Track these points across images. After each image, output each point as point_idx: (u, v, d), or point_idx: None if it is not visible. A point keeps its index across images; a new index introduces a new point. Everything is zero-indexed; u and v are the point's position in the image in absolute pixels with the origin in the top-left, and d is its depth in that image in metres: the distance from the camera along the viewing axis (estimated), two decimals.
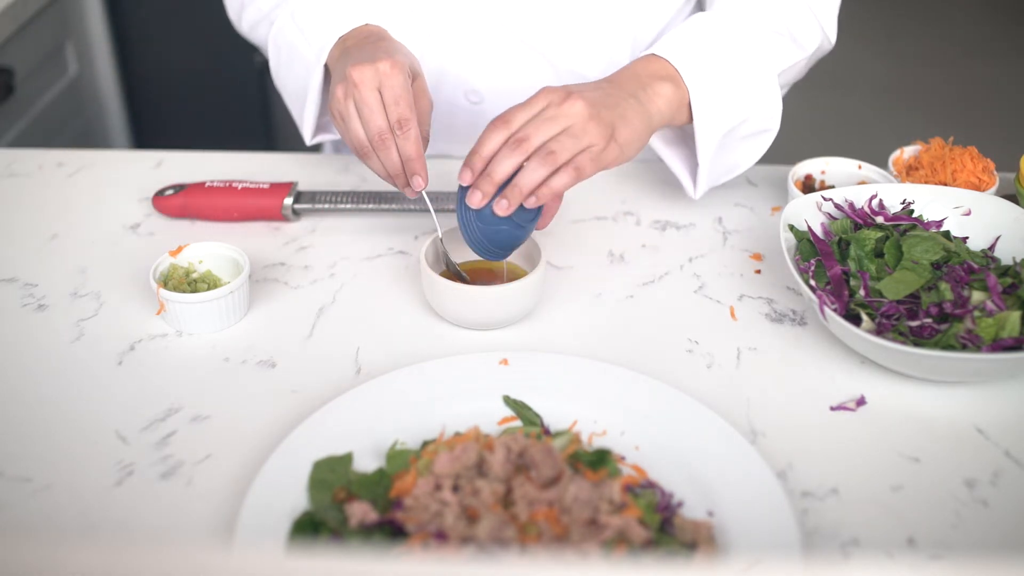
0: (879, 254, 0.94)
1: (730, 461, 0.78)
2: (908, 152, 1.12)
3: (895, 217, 0.98)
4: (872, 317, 0.88)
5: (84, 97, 2.03)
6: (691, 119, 0.99)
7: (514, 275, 0.96)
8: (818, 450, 0.81)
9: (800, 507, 0.76)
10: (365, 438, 0.80)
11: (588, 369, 0.87)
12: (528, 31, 1.12)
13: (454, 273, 0.95)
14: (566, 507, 0.71)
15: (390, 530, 0.71)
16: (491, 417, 0.83)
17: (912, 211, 0.99)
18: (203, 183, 1.10)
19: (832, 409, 0.86)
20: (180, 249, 0.96)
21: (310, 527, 0.72)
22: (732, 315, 0.97)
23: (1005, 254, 0.96)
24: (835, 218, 0.99)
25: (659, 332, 0.94)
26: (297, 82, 1.07)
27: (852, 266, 0.93)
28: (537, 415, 0.83)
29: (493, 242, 0.89)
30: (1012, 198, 1.05)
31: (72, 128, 1.97)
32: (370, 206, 1.08)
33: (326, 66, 1.03)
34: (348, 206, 1.09)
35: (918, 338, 0.86)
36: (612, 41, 1.12)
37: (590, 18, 1.11)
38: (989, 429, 0.84)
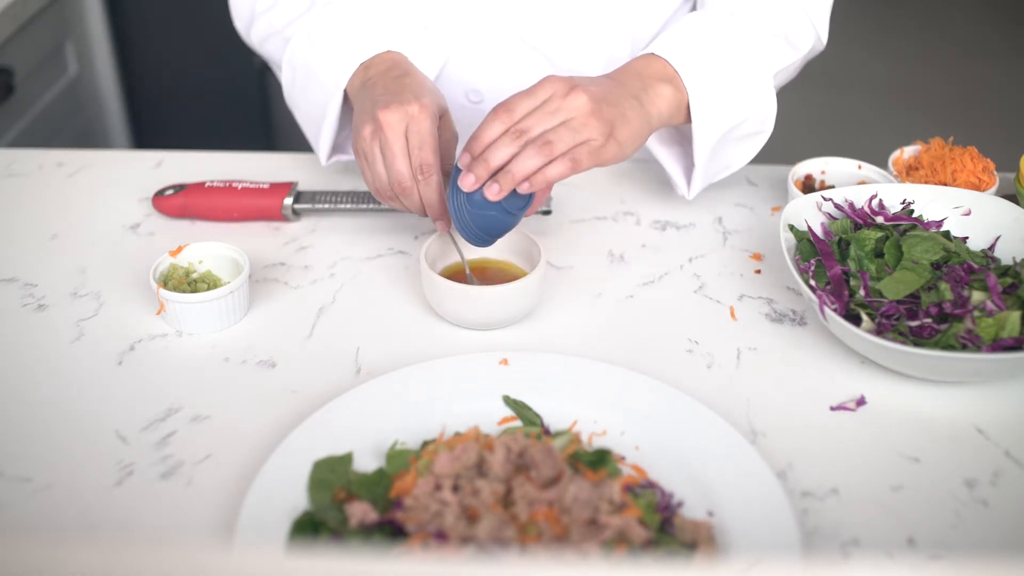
0: (879, 254, 0.94)
1: (730, 461, 0.78)
2: (908, 152, 1.12)
3: (895, 217, 0.98)
4: (872, 317, 0.88)
5: (84, 97, 2.03)
6: (688, 119, 0.99)
7: (514, 275, 0.96)
8: (818, 450, 0.81)
9: (800, 507, 0.76)
10: (365, 438, 0.80)
11: (588, 369, 0.87)
12: (528, 31, 1.12)
13: (466, 275, 0.95)
14: (566, 507, 0.71)
15: (390, 530, 0.71)
16: (491, 417, 0.83)
17: (912, 211, 0.99)
18: (203, 183, 1.10)
19: (832, 409, 0.86)
20: (180, 249, 0.96)
21: (310, 527, 0.72)
22: (732, 315, 0.97)
23: (1005, 254, 0.96)
24: (835, 218, 0.99)
25: (659, 332, 0.94)
26: (313, 105, 1.06)
27: (852, 266, 0.93)
28: (537, 415, 0.83)
29: (481, 227, 0.89)
30: (1012, 198, 1.05)
31: (72, 128, 1.97)
32: (370, 206, 1.08)
33: (345, 91, 1.02)
34: (348, 206, 1.09)
35: (918, 338, 0.86)
36: (612, 40, 1.12)
37: (590, 17, 1.11)
38: (989, 429, 0.84)
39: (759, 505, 0.74)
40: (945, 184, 1.05)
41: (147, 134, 2.21)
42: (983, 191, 1.04)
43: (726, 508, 0.74)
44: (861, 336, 0.83)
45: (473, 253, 0.98)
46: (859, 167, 1.12)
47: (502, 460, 0.74)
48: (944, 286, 0.89)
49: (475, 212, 0.88)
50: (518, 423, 0.82)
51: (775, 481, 0.75)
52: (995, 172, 1.07)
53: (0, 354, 0.91)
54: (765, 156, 1.15)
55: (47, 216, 1.10)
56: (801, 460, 0.80)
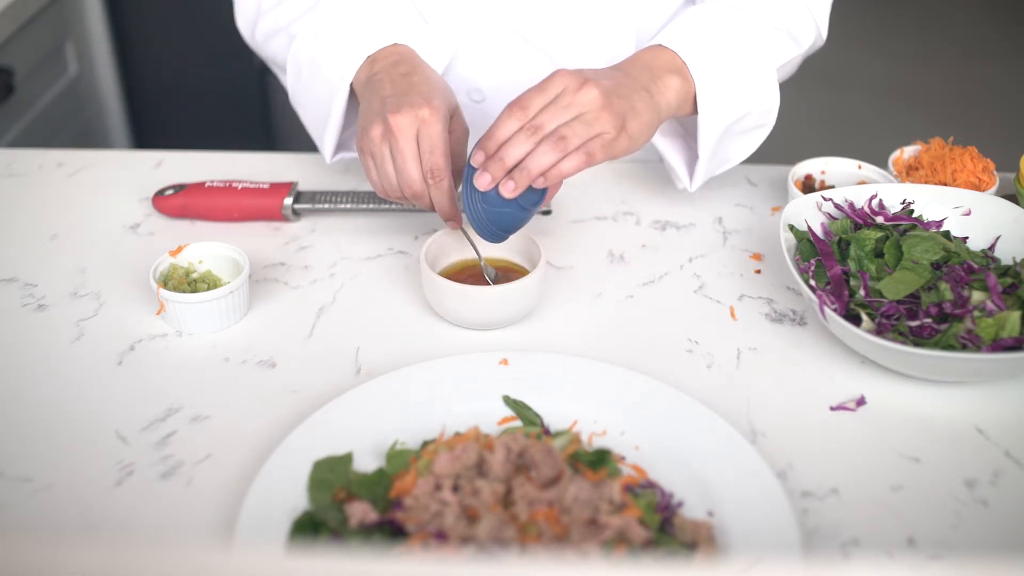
0: (879, 254, 0.94)
1: (730, 461, 0.78)
2: (908, 152, 1.12)
3: (895, 217, 0.98)
4: (872, 317, 0.88)
5: (84, 97, 2.03)
6: (694, 111, 1.00)
7: (514, 275, 0.96)
8: (818, 450, 0.81)
9: (800, 507, 0.76)
10: (365, 438, 0.80)
11: (588, 369, 0.87)
12: (531, 29, 1.12)
13: (487, 275, 0.95)
14: (566, 507, 0.71)
15: (390, 530, 0.71)
16: (491, 417, 0.83)
17: (912, 211, 0.99)
18: (203, 183, 1.10)
19: (832, 409, 0.86)
20: (180, 249, 0.96)
21: (310, 527, 0.72)
22: (732, 315, 0.97)
23: (1005, 254, 0.96)
24: (835, 218, 0.99)
25: (659, 332, 0.94)
26: (319, 100, 1.06)
27: (852, 266, 0.93)
28: (537, 415, 0.83)
29: (496, 223, 0.90)
30: (1012, 198, 1.05)
31: (72, 128, 1.97)
32: (370, 206, 1.08)
33: (351, 85, 1.02)
34: (348, 206, 1.09)
35: (918, 338, 0.86)
36: (616, 38, 1.12)
37: (593, 15, 1.11)
38: (989, 429, 0.84)
39: (759, 505, 0.74)
40: (945, 184, 1.05)
41: (147, 134, 2.21)
42: (983, 191, 1.04)
43: (726, 508, 0.74)
44: (861, 336, 0.83)
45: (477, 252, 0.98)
46: (859, 167, 1.12)
47: (502, 460, 0.74)
48: (944, 286, 0.89)
49: (490, 209, 0.88)
50: (518, 423, 0.82)
51: (775, 481, 0.75)
52: (995, 172, 1.07)
53: (0, 354, 0.91)
54: (765, 156, 1.15)
55: (47, 216, 1.10)
56: (801, 460, 0.80)
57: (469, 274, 0.97)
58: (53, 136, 1.88)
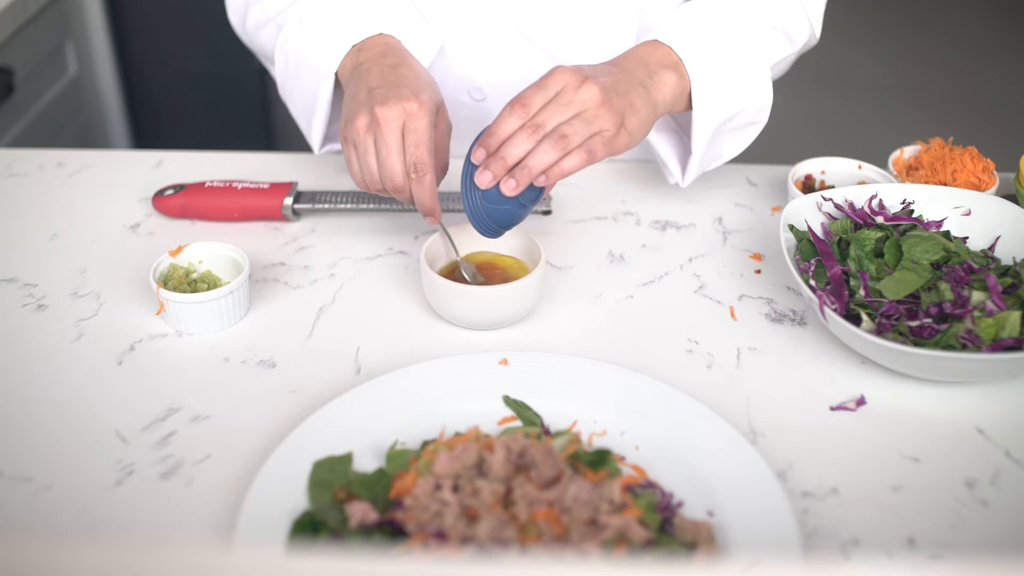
0: (879, 254, 0.94)
1: (730, 461, 0.78)
2: (908, 152, 1.12)
3: (895, 217, 0.98)
4: (872, 317, 0.88)
5: (84, 97, 2.03)
6: (688, 107, 1.00)
7: (514, 275, 0.96)
8: (818, 450, 0.81)
9: (800, 507, 0.76)
10: (365, 438, 0.80)
11: (588, 369, 0.87)
12: (531, 27, 1.12)
13: (466, 275, 0.95)
14: (566, 507, 0.71)
15: (390, 530, 0.71)
16: (491, 417, 0.83)
17: (912, 211, 0.99)
18: (203, 183, 1.10)
19: (832, 409, 0.86)
20: (180, 249, 0.96)
21: (310, 527, 0.72)
22: (732, 315, 0.97)
23: (1005, 254, 0.96)
24: (835, 218, 0.99)
25: (659, 332, 0.94)
26: (306, 90, 1.06)
27: (852, 266, 0.93)
28: (537, 415, 0.83)
29: (495, 220, 0.90)
30: (1012, 198, 1.05)
31: (72, 128, 1.97)
32: (370, 206, 1.08)
33: (336, 75, 1.02)
34: (348, 206, 1.09)
35: (918, 338, 0.86)
36: (616, 34, 1.12)
37: (593, 11, 1.11)
38: (989, 429, 0.84)
39: (759, 505, 0.74)
40: (945, 184, 1.05)
41: (147, 134, 2.21)
42: (983, 191, 1.04)
43: (726, 508, 0.74)
44: (861, 336, 0.83)
45: (474, 247, 0.98)
46: (859, 167, 1.12)
47: (502, 460, 0.74)
48: (944, 286, 0.89)
49: (489, 206, 0.89)
50: (518, 423, 0.82)
51: (775, 481, 0.75)
52: (995, 172, 1.07)
53: (0, 354, 0.91)
54: (765, 156, 1.15)
55: (47, 216, 1.10)
56: (801, 460, 0.80)
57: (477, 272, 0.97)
58: (53, 136, 1.88)
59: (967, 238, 0.97)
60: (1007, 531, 0.75)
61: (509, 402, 0.84)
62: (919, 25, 4.02)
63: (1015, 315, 0.85)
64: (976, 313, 0.86)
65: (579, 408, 0.83)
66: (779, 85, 1.12)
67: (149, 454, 0.80)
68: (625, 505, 0.72)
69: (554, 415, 0.83)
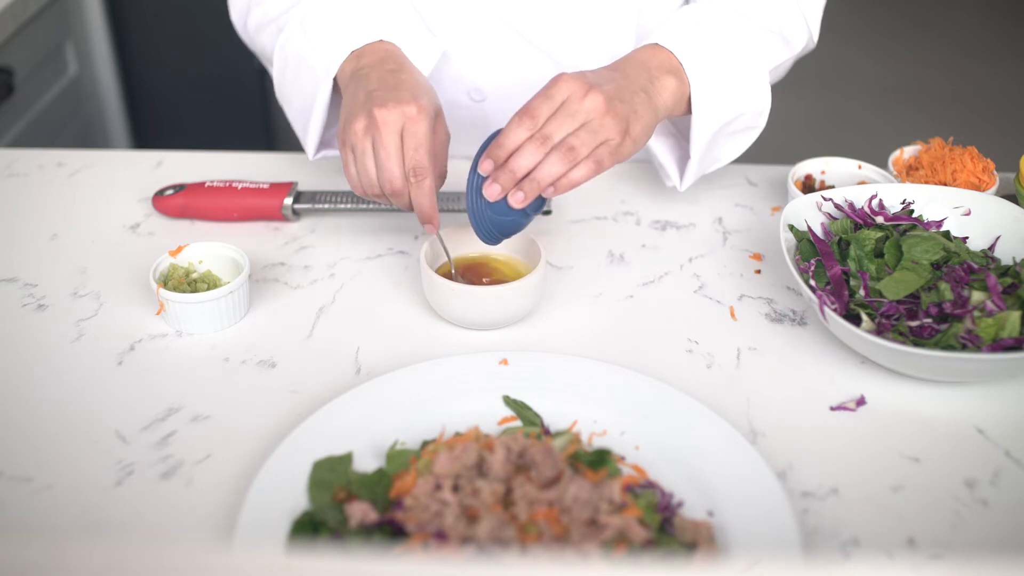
0: (879, 254, 0.94)
1: (730, 461, 0.78)
2: (908, 152, 1.12)
3: (895, 217, 0.98)
4: (872, 317, 0.88)
5: (84, 97, 2.03)
6: (686, 111, 1.00)
7: (514, 275, 0.96)
8: (818, 450, 0.81)
9: (800, 507, 0.76)
10: (365, 438, 0.80)
11: (588, 369, 0.87)
12: (530, 28, 1.12)
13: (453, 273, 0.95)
14: (566, 507, 0.71)
15: (390, 530, 0.71)
16: (491, 417, 0.83)
17: (912, 211, 0.99)
18: (203, 183, 1.10)
19: (832, 409, 0.86)
20: (180, 249, 0.96)
21: (310, 527, 0.72)
22: (732, 315, 0.97)
23: (1005, 254, 0.96)
24: (835, 218, 0.99)
25: (659, 332, 0.94)
26: (303, 94, 1.05)
27: (852, 266, 0.93)
28: (537, 415, 0.83)
29: (499, 229, 0.90)
30: (1012, 198, 1.05)
31: (72, 128, 1.97)
32: (370, 206, 1.08)
33: (335, 79, 1.01)
34: (348, 206, 1.09)
35: (918, 338, 0.86)
36: (616, 37, 1.12)
37: (593, 14, 1.11)
38: (989, 429, 0.84)
39: (759, 505, 0.74)
40: (945, 184, 1.05)
41: (147, 134, 2.21)
42: (983, 191, 1.04)
43: (726, 508, 0.74)
44: (861, 336, 0.83)
45: (472, 250, 0.98)
46: (859, 167, 1.12)
47: (502, 460, 0.74)
48: (944, 286, 0.89)
49: (495, 217, 0.89)
50: (518, 423, 0.82)
51: (775, 481, 0.75)
52: (995, 172, 1.07)
53: (0, 354, 0.91)
54: (765, 156, 1.15)
55: (47, 216, 1.10)
56: (801, 460, 0.80)
57: (473, 273, 0.97)
58: (53, 136, 1.88)
59: (967, 238, 0.97)
60: (1007, 531, 0.75)
61: (509, 402, 0.84)
62: (919, 25, 4.02)
63: (1015, 315, 0.85)
64: (976, 313, 0.86)
65: (579, 408, 0.83)
66: (779, 85, 1.12)
67: (149, 454, 0.80)
68: (625, 505, 0.72)
69: (554, 415, 0.83)
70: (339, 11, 1.04)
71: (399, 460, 0.77)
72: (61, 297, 0.98)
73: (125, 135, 2.18)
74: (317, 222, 1.10)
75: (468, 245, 0.98)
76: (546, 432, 0.81)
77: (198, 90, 2.17)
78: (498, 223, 0.90)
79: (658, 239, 1.08)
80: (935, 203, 0.99)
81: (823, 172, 1.13)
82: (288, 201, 1.08)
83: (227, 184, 1.10)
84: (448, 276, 0.95)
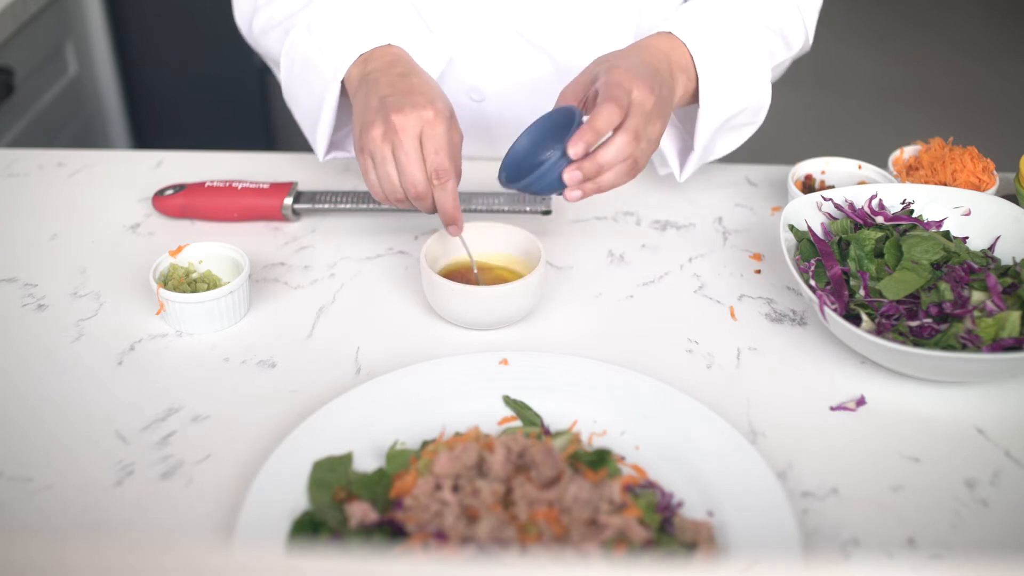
0: (879, 254, 0.94)
1: (730, 461, 0.78)
2: (908, 152, 1.12)
3: (895, 217, 0.98)
4: (872, 317, 0.88)
5: (84, 97, 2.03)
6: (688, 103, 1.01)
7: (514, 275, 0.96)
8: (818, 450, 0.81)
9: (800, 507, 0.76)
10: (365, 438, 0.80)
11: (588, 369, 0.87)
12: (530, 28, 1.12)
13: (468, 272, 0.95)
14: (566, 507, 0.71)
15: (390, 530, 0.71)
16: (491, 417, 0.83)
17: (912, 211, 0.99)
18: (203, 183, 1.10)
19: (832, 409, 0.86)
20: (180, 249, 0.96)
21: (310, 527, 0.72)
22: (732, 315, 0.97)
23: (1005, 254, 0.96)
24: (835, 218, 0.99)
25: (659, 332, 0.94)
26: (311, 97, 1.05)
27: (852, 266, 0.93)
28: (537, 415, 0.83)
29: (527, 190, 0.89)
30: (1012, 198, 1.05)
31: (72, 128, 1.97)
32: (370, 206, 1.08)
33: (342, 83, 1.01)
34: (348, 206, 1.09)
35: (918, 338, 0.86)
36: (616, 37, 1.12)
37: (593, 15, 1.11)
38: (989, 429, 0.84)
39: (759, 505, 0.74)
40: (945, 184, 1.05)
41: (147, 134, 2.21)
42: (983, 191, 1.04)
43: (726, 508, 0.74)
44: (861, 336, 0.83)
45: (478, 253, 0.98)
46: (859, 167, 1.12)
47: (502, 460, 0.74)
48: (944, 286, 0.89)
49: (534, 190, 0.88)
50: (518, 423, 0.82)
51: (775, 481, 0.75)
52: (995, 172, 1.07)
53: (0, 354, 0.91)
54: (765, 156, 1.15)
55: (47, 216, 1.10)
56: (801, 460, 0.80)
57: (481, 273, 0.97)
58: (53, 136, 1.88)
59: (967, 238, 0.97)
60: (1007, 531, 0.75)
61: (509, 402, 0.84)
62: (919, 25, 4.02)
63: (1015, 315, 0.85)
64: (976, 313, 0.86)
65: (579, 408, 0.83)
66: (780, 85, 1.12)
67: (149, 454, 0.80)
68: (625, 505, 0.72)
69: (554, 415, 0.83)
70: (346, 15, 1.04)
71: (399, 460, 0.77)
72: (61, 297, 0.98)
73: (125, 135, 2.18)
74: (317, 222, 1.10)
75: (476, 250, 0.98)
76: (546, 432, 0.81)
77: (198, 90, 2.17)
78: (531, 189, 0.88)
79: (658, 239, 1.08)
80: (935, 203, 0.99)
81: (823, 172, 1.13)
82: (288, 201, 1.08)
83: (227, 184, 1.10)
84: (456, 271, 0.96)
